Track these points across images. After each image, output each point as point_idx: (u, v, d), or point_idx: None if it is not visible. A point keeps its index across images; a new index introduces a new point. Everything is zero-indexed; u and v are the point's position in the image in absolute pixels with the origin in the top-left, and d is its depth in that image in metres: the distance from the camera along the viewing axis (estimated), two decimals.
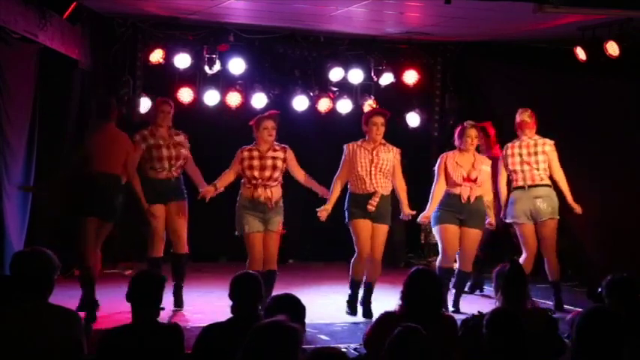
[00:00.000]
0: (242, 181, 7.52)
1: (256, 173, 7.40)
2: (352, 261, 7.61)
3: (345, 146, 7.67)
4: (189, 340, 4.61)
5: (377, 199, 7.45)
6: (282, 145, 7.61)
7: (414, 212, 7.72)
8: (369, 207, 7.44)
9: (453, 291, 7.89)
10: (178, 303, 7.68)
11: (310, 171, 7.88)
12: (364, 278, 7.61)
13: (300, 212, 9.60)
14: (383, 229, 7.57)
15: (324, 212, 7.55)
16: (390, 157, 7.59)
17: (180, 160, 7.76)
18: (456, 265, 7.96)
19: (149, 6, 9.24)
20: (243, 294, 4.65)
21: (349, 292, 7.68)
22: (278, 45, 10.31)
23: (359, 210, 7.51)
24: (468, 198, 7.73)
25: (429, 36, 10.21)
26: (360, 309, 7.59)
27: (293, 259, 10.88)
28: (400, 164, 7.69)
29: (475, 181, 7.75)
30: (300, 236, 10.84)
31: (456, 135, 7.95)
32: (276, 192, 7.48)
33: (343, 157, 7.64)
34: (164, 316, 4.65)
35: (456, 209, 7.74)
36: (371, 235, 7.53)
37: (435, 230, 7.92)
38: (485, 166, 7.89)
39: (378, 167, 7.50)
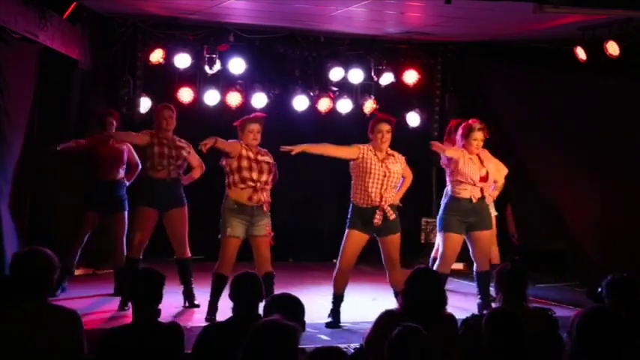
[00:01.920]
0: (229, 182, 7.27)
1: (255, 175, 7.23)
2: (334, 275, 7.38)
3: (360, 146, 7.28)
4: (189, 340, 4.61)
5: (382, 214, 7.20)
6: (265, 150, 7.38)
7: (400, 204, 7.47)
8: (376, 221, 7.20)
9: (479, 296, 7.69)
10: (192, 303, 7.85)
11: (309, 171, 7.85)
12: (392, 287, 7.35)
13: (299, 212, 9.59)
14: (395, 239, 7.37)
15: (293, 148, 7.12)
16: (399, 168, 7.36)
17: (180, 161, 7.81)
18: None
19: (149, 6, 9.23)
20: (243, 294, 4.66)
21: (331, 306, 7.33)
22: (278, 45, 10.30)
23: (362, 222, 7.26)
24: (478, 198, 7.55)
25: (429, 36, 10.20)
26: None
27: (293, 259, 10.86)
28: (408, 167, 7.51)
29: (486, 178, 7.57)
30: (299, 236, 10.83)
31: (459, 133, 7.72)
32: (268, 195, 7.35)
33: (353, 149, 7.26)
34: (165, 316, 4.63)
35: (463, 214, 7.56)
36: (384, 248, 7.35)
37: (439, 235, 7.82)
38: (490, 163, 7.66)
39: (390, 180, 7.26)
